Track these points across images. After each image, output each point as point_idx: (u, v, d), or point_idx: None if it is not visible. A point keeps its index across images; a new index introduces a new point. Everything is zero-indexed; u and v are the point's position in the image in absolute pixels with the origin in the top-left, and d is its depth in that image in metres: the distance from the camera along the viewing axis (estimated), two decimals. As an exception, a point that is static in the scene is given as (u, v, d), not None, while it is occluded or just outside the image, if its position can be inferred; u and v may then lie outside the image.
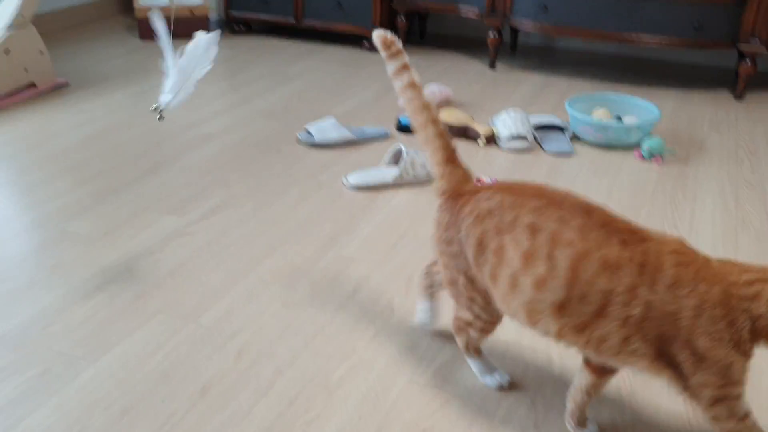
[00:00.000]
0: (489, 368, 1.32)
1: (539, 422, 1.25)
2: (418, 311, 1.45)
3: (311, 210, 1.97)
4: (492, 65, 3.25)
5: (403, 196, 2.06)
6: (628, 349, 1.04)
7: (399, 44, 1.27)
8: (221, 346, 1.42)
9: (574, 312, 1.05)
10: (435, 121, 1.25)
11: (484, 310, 1.20)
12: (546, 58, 3.48)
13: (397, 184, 2.12)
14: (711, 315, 0.98)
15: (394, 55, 1.26)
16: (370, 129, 2.47)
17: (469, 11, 3.20)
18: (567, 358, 1.40)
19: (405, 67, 1.26)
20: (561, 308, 1.06)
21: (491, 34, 3.15)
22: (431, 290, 1.42)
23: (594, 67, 3.33)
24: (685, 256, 1.02)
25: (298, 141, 2.41)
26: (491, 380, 1.32)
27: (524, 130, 2.40)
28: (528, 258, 1.07)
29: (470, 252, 1.15)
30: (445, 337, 1.46)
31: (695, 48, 2.82)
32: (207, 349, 1.41)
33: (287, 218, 1.92)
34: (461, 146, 2.40)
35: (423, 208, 2.00)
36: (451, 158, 1.25)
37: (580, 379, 1.19)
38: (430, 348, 1.43)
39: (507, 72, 3.23)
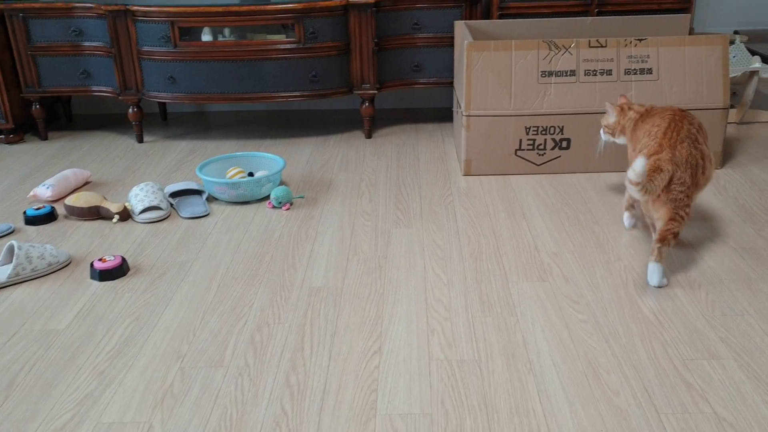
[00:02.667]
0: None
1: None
2: (626, 219, 2.22)
3: None
4: (139, 139, 3.25)
5: (20, 293, 1.96)
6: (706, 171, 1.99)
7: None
8: None
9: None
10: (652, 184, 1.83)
11: (690, 210, 1.92)
12: (197, 123, 3.57)
13: (14, 282, 2.01)
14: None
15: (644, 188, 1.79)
16: (-8, 228, 2.32)
17: (104, 91, 3.17)
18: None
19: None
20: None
21: (131, 109, 3.15)
22: (633, 207, 2.22)
23: (243, 126, 3.49)
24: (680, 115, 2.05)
25: None
26: (665, 280, 1.91)
27: (157, 200, 2.43)
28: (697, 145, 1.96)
29: (701, 166, 1.92)
30: (76, 403, 1.41)
31: (318, 98, 3.09)
32: None
33: None
34: (94, 227, 2.36)
35: (44, 300, 1.91)
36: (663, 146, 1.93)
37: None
38: (21, 451, 1.37)
39: (155, 143, 3.25)
